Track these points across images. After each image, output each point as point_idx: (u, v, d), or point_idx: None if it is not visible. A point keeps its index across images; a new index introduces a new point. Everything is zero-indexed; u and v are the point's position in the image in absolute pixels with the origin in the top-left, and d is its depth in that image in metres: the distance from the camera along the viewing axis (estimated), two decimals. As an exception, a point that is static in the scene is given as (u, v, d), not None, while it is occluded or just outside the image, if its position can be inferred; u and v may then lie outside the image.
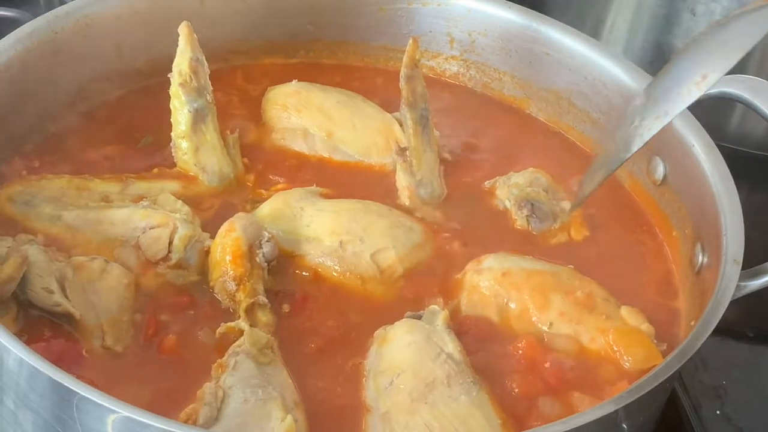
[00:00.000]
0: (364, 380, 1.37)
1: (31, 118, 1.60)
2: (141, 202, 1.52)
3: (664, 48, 2.01)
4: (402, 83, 1.64)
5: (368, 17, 1.83)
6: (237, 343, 1.35)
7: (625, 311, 1.46)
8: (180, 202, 1.53)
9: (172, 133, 1.60)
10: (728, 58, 1.34)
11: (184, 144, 1.59)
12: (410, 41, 1.63)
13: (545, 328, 1.44)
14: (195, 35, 1.59)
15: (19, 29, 1.57)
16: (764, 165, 2.01)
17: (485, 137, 1.76)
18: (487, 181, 1.67)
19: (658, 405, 1.41)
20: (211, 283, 1.45)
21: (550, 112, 1.80)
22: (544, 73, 1.78)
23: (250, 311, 1.40)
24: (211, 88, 1.60)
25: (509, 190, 1.63)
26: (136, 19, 1.69)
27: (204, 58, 1.59)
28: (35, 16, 1.61)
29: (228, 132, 1.65)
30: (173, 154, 1.61)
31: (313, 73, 1.80)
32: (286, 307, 1.45)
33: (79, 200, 1.51)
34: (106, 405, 1.15)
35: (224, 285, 1.43)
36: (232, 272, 1.43)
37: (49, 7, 1.64)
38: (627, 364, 1.41)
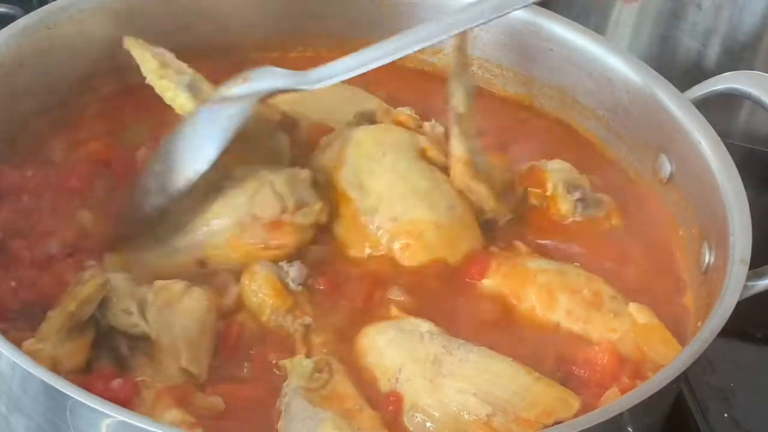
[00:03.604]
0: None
1: (24, 116, 1.57)
2: (215, 188, 1.49)
3: (670, 43, 1.99)
4: (453, 52, 1.61)
5: (369, 11, 1.80)
6: (285, 383, 1.32)
7: (633, 308, 1.44)
8: None
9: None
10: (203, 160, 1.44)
11: None
12: None
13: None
14: (140, 40, 1.57)
15: (11, 25, 1.55)
16: (772, 163, 2.00)
17: (487, 135, 1.73)
18: (520, 168, 1.63)
19: (664, 408, 1.40)
20: (270, 325, 1.41)
21: (554, 108, 1.78)
22: (547, 69, 1.76)
23: (305, 338, 1.38)
24: (185, 64, 1.58)
25: (551, 174, 1.59)
26: (133, 15, 1.66)
27: (162, 48, 1.57)
28: (28, 11, 1.59)
29: None
30: None
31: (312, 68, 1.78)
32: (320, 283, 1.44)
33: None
34: (100, 409, 1.13)
35: (279, 322, 1.40)
36: (283, 306, 1.40)
37: (43, 2, 1.61)
38: (649, 362, 1.39)
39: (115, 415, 1.13)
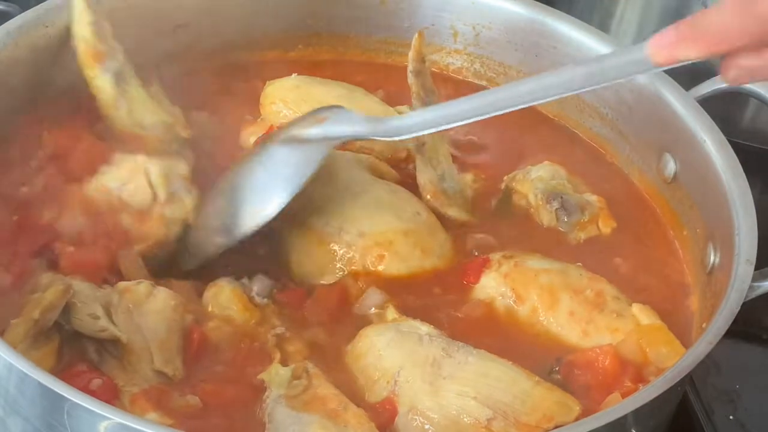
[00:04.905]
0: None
1: (20, 115, 1.55)
2: (100, 169, 1.46)
3: (675, 41, 1.98)
4: (410, 79, 1.58)
5: (369, 10, 1.79)
6: (266, 394, 1.30)
7: (636, 309, 1.43)
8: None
9: (100, 107, 1.53)
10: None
11: (117, 112, 1.52)
12: (416, 35, 1.59)
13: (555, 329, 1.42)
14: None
15: (8, 23, 1.54)
16: (778, 162, 1.99)
17: (490, 133, 1.73)
18: (506, 176, 1.63)
19: (669, 410, 1.39)
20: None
21: (557, 107, 1.77)
22: (551, 67, 1.70)
23: (280, 348, 1.37)
24: (121, 46, 1.54)
25: (532, 184, 1.59)
26: (131, 13, 1.65)
27: (103, 20, 1.53)
28: (25, 9, 1.58)
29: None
30: (111, 128, 1.54)
31: (312, 67, 1.77)
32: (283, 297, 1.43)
33: None
34: (98, 411, 1.12)
35: (251, 335, 1.38)
36: (251, 320, 1.39)
37: (40, 0, 1.60)
38: (651, 365, 1.38)
39: (113, 417, 1.12)
